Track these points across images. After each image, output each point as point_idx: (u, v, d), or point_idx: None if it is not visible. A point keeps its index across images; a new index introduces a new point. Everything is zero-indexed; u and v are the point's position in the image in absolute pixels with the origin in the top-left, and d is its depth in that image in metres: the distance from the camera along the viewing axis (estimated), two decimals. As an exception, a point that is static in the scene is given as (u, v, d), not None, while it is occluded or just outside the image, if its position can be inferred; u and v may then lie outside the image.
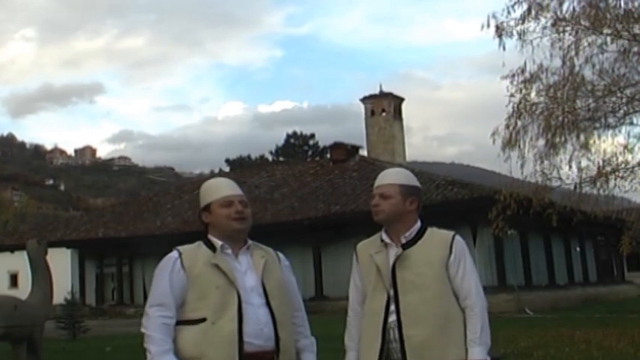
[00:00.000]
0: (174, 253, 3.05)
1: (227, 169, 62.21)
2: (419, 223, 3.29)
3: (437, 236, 3.27)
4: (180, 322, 2.95)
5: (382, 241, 3.27)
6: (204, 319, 2.91)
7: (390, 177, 3.34)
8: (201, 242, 3.10)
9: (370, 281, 3.26)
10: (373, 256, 3.26)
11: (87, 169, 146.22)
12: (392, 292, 3.17)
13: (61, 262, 26.83)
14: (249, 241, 3.14)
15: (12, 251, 29.95)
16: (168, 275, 2.99)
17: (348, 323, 3.40)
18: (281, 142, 64.92)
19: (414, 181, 3.36)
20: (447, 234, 3.27)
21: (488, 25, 15.13)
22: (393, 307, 3.16)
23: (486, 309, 3.20)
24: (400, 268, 3.18)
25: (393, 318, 3.15)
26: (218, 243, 3.06)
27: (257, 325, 2.93)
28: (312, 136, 65.23)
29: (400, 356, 3.12)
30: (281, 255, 3.25)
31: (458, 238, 3.25)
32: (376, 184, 3.36)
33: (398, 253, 3.20)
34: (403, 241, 3.23)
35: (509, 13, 14.97)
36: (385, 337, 3.16)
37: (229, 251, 3.06)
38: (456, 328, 3.13)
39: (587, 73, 15.01)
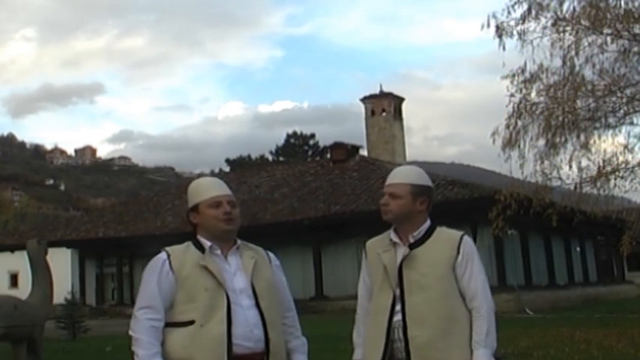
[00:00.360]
0: (162, 255, 3.01)
1: (227, 169, 62.22)
2: (428, 223, 3.25)
3: (445, 236, 3.23)
4: (168, 325, 2.92)
5: (391, 240, 3.24)
6: (192, 322, 2.88)
7: (402, 176, 3.29)
8: (190, 243, 3.06)
9: (377, 280, 3.24)
10: (381, 254, 3.23)
11: (87, 169, 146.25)
12: (398, 292, 3.14)
13: (61, 262, 26.81)
14: (239, 241, 3.10)
15: (12, 251, 29.95)
16: (157, 277, 2.95)
17: (357, 320, 3.38)
18: (281, 142, 64.96)
19: (425, 180, 3.31)
20: (456, 234, 3.23)
21: (489, 25, 15.11)
22: (398, 307, 3.14)
23: (493, 311, 3.16)
24: (407, 268, 3.15)
25: (398, 317, 3.13)
26: (207, 244, 3.01)
27: (246, 327, 2.90)
28: (312, 136, 65.27)
29: (404, 356, 3.10)
30: (271, 255, 3.21)
31: (466, 238, 3.21)
32: (387, 182, 3.30)
33: (405, 252, 3.17)
34: (411, 240, 3.20)
35: (509, 13, 14.96)
36: (389, 337, 3.14)
37: (218, 252, 3.02)
38: (461, 329, 3.10)
39: (588, 73, 15.00)
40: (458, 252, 3.15)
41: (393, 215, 3.23)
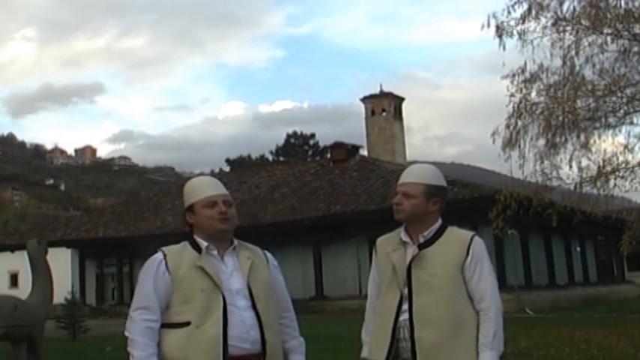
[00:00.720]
0: (158, 255, 2.99)
1: (227, 168, 62.23)
2: (439, 222, 3.22)
3: (455, 236, 3.20)
4: (164, 325, 2.90)
5: (400, 239, 3.22)
6: (188, 323, 2.86)
7: (416, 175, 3.24)
8: (186, 243, 3.04)
9: (385, 278, 3.23)
10: (390, 254, 3.21)
11: (87, 169, 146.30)
12: (406, 292, 3.12)
13: (62, 262, 26.81)
14: (236, 241, 3.07)
15: (12, 251, 29.93)
16: (153, 277, 2.93)
17: (366, 318, 3.36)
18: (281, 141, 65.05)
19: (439, 180, 3.27)
20: (466, 235, 3.20)
21: (489, 25, 15.08)
22: (405, 307, 3.12)
23: (502, 313, 3.13)
24: (416, 268, 3.13)
25: (404, 317, 3.11)
26: (203, 244, 2.99)
27: (242, 329, 2.88)
28: (313, 135, 65.33)
29: (410, 356, 3.08)
30: (269, 254, 3.18)
31: (477, 239, 3.18)
32: (401, 180, 3.26)
33: (414, 252, 3.15)
34: (421, 240, 3.17)
35: (509, 12, 14.93)
36: (395, 336, 3.12)
37: (215, 252, 3.00)
38: (468, 331, 3.07)
39: (588, 72, 14.99)
40: (467, 253, 3.12)
41: (406, 215, 3.19)
